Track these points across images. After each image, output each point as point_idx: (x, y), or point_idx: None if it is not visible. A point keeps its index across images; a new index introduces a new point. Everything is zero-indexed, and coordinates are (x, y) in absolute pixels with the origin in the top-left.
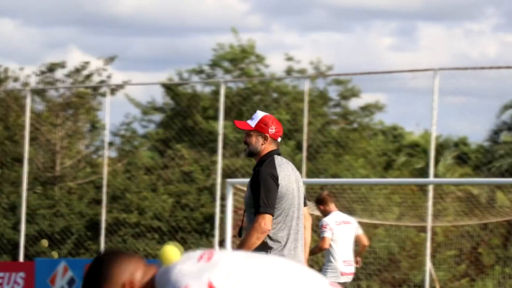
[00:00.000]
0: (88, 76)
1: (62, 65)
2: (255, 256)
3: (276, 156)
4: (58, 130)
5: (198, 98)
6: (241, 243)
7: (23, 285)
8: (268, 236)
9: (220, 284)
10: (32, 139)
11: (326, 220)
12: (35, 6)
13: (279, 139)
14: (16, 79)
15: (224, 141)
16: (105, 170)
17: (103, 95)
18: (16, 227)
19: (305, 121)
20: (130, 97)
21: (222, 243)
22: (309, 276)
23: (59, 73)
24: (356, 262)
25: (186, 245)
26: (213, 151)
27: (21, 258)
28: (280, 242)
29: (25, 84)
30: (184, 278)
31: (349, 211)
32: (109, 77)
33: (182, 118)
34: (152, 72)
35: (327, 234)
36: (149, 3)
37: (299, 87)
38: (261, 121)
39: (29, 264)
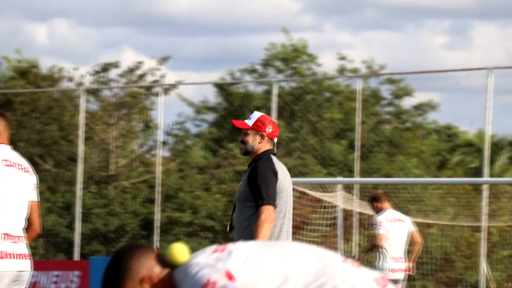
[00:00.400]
0: (142, 76)
1: (116, 65)
2: (267, 243)
3: (272, 156)
4: (112, 130)
5: (251, 97)
6: (254, 238)
7: (78, 284)
8: None
9: (237, 271)
10: (86, 139)
11: (378, 217)
12: (89, 7)
13: (275, 140)
14: (70, 79)
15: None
16: (159, 170)
17: (157, 94)
18: (71, 226)
19: (358, 120)
20: (183, 97)
21: None
22: (323, 255)
23: (113, 73)
24: (409, 270)
25: None
26: None
27: (76, 257)
28: (271, 239)
29: (80, 84)
30: (202, 270)
31: (403, 211)
32: (162, 77)
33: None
34: (205, 71)
35: (381, 231)
36: (202, 3)
37: (352, 86)
38: (258, 120)
39: (84, 263)
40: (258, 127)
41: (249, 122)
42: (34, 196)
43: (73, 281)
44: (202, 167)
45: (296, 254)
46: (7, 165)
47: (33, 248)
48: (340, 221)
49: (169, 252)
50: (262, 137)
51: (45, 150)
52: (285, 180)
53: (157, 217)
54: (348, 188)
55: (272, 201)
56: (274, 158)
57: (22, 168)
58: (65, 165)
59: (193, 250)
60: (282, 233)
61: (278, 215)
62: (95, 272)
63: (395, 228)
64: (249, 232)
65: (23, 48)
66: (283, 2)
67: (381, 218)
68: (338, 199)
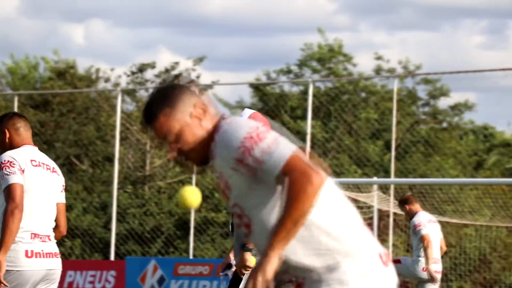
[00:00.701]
0: (177, 76)
1: (152, 65)
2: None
3: None
4: (148, 130)
5: (286, 98)
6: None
7: (114, 283)
8: None
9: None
10: (122, 139)
11: (417, 219)
12: (125, 7)
13: None
14: (107, 80)
15: (312, 140)
16: (194, 170)
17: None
18: (107, 226)
19: (394, 120)
20: (218, 97)
21: None
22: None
23: (149, 74)
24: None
25: None
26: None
27: (112, 257)
28: None
29: (116, 84)
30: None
31: (439, 212)
32: (198, 77)
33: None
34: (240, 72)
35: (426, 231)
36: (238, 3)
37: (388, 86)
38: (249, 118)
39: (120, 263)
40: None
41: None
42: (61, 198)
43: (109, 281)
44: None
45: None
46: (35, 165)
47: (69, 248)
48: (375, 222)
49: (181, 196)
50: None
51: (82, 151)
52: None
53: (193, 217)
54: (383, 188)
55: None
56: None
57: (49, 169)
58: (101, 165)
59: (229, 250)
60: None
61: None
62: (130, 272)
63: (432, 229)
64: None
65: (60, 49)
66: (319, 2)
67: (421, 220)
68: (374, 200)
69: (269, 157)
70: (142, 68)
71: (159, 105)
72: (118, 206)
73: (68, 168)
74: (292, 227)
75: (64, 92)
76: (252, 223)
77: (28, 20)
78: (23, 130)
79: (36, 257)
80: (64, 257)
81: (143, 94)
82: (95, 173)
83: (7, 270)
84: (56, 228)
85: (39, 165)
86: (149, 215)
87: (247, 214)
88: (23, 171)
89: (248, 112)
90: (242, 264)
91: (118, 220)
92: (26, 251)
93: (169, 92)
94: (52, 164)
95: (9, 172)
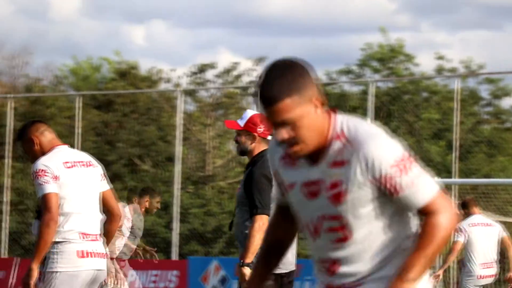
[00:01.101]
0: (238, 77)
1: (212, 66)
2: None
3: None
4: (208, 130)
5: (346, 98)
6: (246, 248)
7: (176, 283)
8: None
9: None
10: (184, 139)
11: (461, 224)
12: (186, 8)
13: (269, 137)
14: (168, 80)
15: None
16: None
17: (253, 95)
18: (169, 226)
19: (456, 120)
20: None
21: None
22: None
23: (210, 74)
24: (509, 279)
25: None
26: None
27: (174, 257)
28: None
29: (177, 85)
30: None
31: (503, 212)
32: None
33: None
34: None
35: (459, 239)
36: (298, 4)
37: (450, 86)
38: (250, 120)
39: (182, 263)
40: (249, 128)
41: (241, 123)
42: (104, 185)
43: (171, 281)
44: None
45: None
46: (69, 167)
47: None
48: None
49: None
50: (254, 138)
51: (144, 151)
52: None
53: None
54: (446, 189)
55: (266, 210)
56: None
57: (84, 164)
58: (163, 166)
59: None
60: None
61: None
62: (193, 272)
63: (481, 233)
64: (245, 237)
65: (122, 50)
66: (379, 2)
67: (464, 224)
68: None
69: (415, 189)
70: (202, 69)
71: (285, 87)
72: (180, 206)
73: (130, 168)
74: (426, 265)
75: (126, 92)
76: (351, 239)
77: (90, 22)
78: (48, 133)
79: (88, 256)
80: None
81: (203, 95)
82: (156, 173)
83: (62, 272)
84: (111, 215)
85: (74, 165)
86: (210, 215)
87: (350, 230)
88: (57, 177)
89: (248, 113)
90: (242, 279)
91: (180, 220)
92: (78, 251)
93: (296, 74)
94: (86, 157)
95: (43, 182)
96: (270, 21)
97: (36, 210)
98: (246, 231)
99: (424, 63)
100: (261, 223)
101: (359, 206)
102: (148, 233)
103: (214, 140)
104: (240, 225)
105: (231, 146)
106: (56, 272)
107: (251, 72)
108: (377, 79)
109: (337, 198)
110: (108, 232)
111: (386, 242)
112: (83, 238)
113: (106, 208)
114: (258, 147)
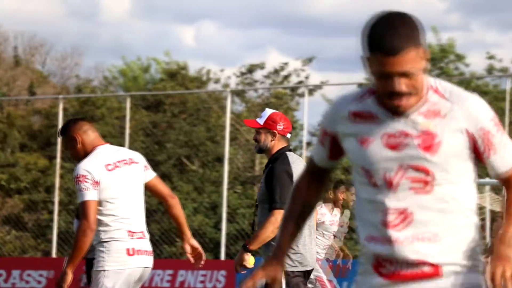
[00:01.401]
0: (287, 77)
1: (261, 66)
2: None
3: (289, 153)
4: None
5: None
6: (255, 235)
7: (224, 283)
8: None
9: None
10: (232, 140)
11: None
12: (235, 8)
13: (289, 135)
14: (217, 81)
15: None
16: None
17: (301, 95)
18: (217, 226)
19: (507, 120)
20: (327, 98)
21: None
22: None
23: (258, 74)
24: None
25: None
26: None
27: (223, 257)
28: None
29: (226, 85)
30: None
31: None
32: (307, 77)
33: None
34: (348, 72)
35: None
36: (347, 3)
37: (501, 86)
38: (269, 118)
39: (230, 263)
40: (269, 125)
41: (260, 121)
42: (149, 175)
43: (220, 281)
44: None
45: None
46: (110, 169)
47: (181, 248)
48: (488, 223)
49: None
50: (274, 135)
51: (192, 151)
52: None
53: None
54: (496, 189)
55: (285, 205)
56: (291, 156)
57: (126, 163)
58: (211, 166)
59: (342, 251)
60: (304, 233)
61: None
62: (241, 273)
63: None
64: None
65: (171, 50)
66: (429, 2)
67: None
68: (486, 201)
69: (505, 152)
70: (251, 69)
71: (410, 38)
72: (228, 206)
73: (179, 168)
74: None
75: (176, 93)
76: (433, 193)
77: (140, 22)
78: (91, 132)
79: (137, 254)
80: (176, 256)
81: (252, 95)
82: (205, 173)
83: (111, 270)
84: (165, 200)
85: (116, 166)
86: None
87: (434, 183)
88: (97, 182)
89: (268, 112)
90: (240, 263)
91: (228, 220)
92: (128, 249)
93: (416, 27)
94: (128, 154)
95: (83, 188)
96: (319, 20)
97: (77, 207)
98: None
99: (475, 63)
100: (278, 217)
101: (450, 159)
102: (196, 233)
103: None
104: (262, 224)
105: None
106: (105, 270)
107: (300, 72)
108: None
109: (430, 148)
110: (177, 216)
111: (466, 213)
112: (131, 236)
113: (158, 196)
114: (277, 144)
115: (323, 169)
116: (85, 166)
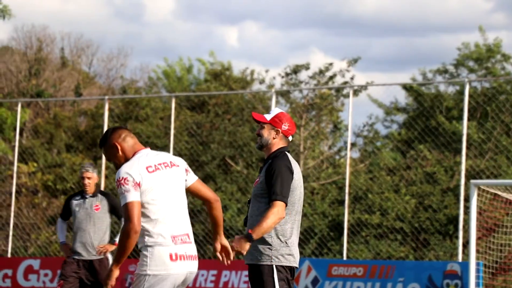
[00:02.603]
0: (331, 78)
1: (306, 66)
2: None
3: (287, 153)
4: (301, 131)
5: (442, 98)
6: (259, 225)
7: None
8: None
9: None
10: None
11: None
12: (278, 9)
13: (290, 138)
14: (262, 81)
15: (468, 141)
16: (348, 171)
17: (346, 96)
18: None
19: None
20: (372, 98)
21: (466, 245)
22: None
23: (303, 75)
24: None
25: (429, 247)
26: (457, 151)
27: None
28: (285, 235)
29: (270, 86)
30: None
31: None
32: (352, 78)
33: (425, 119)
34: (392, 72)
35: None
36: (391, 3)
37: None
38: (277, 116)
39: None
40: (275, 123)
41: (268, 117)
42: (191, 178)
43: None
44: (391, 168)
45: None
46: (152, 171)
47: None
48: None
49: None
50: (277, 132)
51: (237, 152)
52: (299, 178)
53: (346, 218)
54: None
55: (285, 199)
56: (289, 156)
57: (167, 166)
58: (255, 167)
59: (383, 252)
60: (294, 229)
61: (291, 212)
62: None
63: None
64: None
65: (215, 51)
66: (474, 2)
67: None
68: None
69: None
70: (296, 70)
71: None
72: None
73: (223, 169)
74: None
75: (220, 93)
76: None
77: (184, 23)
78: (130, 138)
79: (180, 259)
80: None
81: (297, 95)
82: (249, 174)
83: (153, 275)
84: (208, 202)
85: (156, 169)
86: (302, 216)
87: None
88: (139, 184)
89: (276, 110)
90: (238, 250)
91: None
92: (171, 254)
93: None
94: (168, 158)
95: (124, 191)
96: (362, 21)
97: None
98: None
99: None
100: (280, 209)
101: None
102: (241, 234)
103: (306, 141)
104: (256, 216)
105: (324, 147)
106: (147, 275)
107: (345, 72)
108: (473, 79)
109: None
110: (217, 219)
111: None
112: (174, 241)
113: (202, 199)
114: (278, 143)
115: None
116: (126, 169)
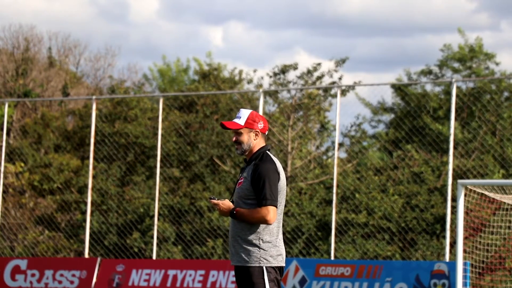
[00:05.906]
0: (319, 78)
1: (294, 67)
2: None
3: (269, 152)
4: (289, 131)
5: (428, 98)
6: (246, 210)
7: None
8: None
9: None
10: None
11: None
12: (262, 9)
13: (266, 133)
14: (250, 81)
15: (454, 141)
16: (335, 171)
17: (334, 96)
18: None
19: None
20: (360, 97)
21: (453, 245)
22: None
23: (291, 75)
24: None
25: (416, 246)
26: (444, 151)
27: None
28: (272, 235)
29: (259, 86)
30: None
31: None
32: (340, 78)
33: (412, 119)
34: (378, 73)
35: None
36: (375, 4)
37: None
38: (249, 118)
39: None
40: (250, 125)
41: (240, 121)
42: None
43: None
44: (378, 168)
45: None
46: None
47: (211, 248)
48: None
49: None
50: (257, 133)
51: (224, 152)
52: (283, 178)
53: (334, 218)
54: None
55: (275, 202)
56: (272, 156)
57: None
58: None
59: (370, 251)
60: (280, 228)
61: (277, 212)
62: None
63: None
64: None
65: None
66: (458, 2)
67: None
68: None
69: None
70: (284, 70)
71: None
72: None
73: (211, 169)
74: None
75: (208, 93)
76: None
77: (169, 23)
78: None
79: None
80: (207, 256)
81: (285, 96)
82: (237, 174)
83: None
84: None
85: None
86: (290, 216)
87: None
88: None
89: (245, 112)
90: (220, 212)
91: None
92: None
93: None
94: None
95: None
96: (347, 21)
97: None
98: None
99: (505, 62)
100: (272, 215)
101: None
102: (228, 233)
103: (294, 141)
104: (253, 209)
105: (312, 148)
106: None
107: (333, 73)
108: (459, 79)
109: None
110: None
111: None
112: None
113: None
114: (259, 143)
115: None
116: None
